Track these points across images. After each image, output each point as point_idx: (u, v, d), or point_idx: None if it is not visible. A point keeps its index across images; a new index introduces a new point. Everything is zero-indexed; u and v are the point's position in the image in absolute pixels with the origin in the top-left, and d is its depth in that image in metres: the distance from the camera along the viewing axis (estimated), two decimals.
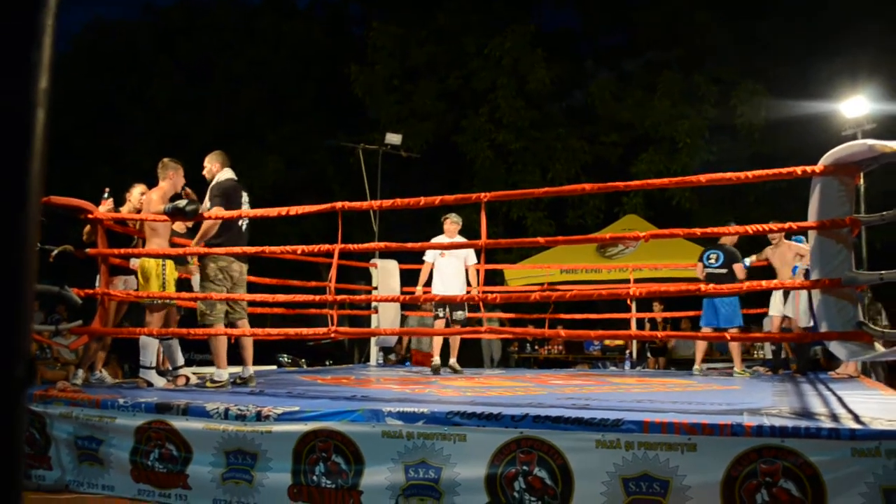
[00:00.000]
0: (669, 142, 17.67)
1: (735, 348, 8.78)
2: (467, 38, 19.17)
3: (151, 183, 6.76)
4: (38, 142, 0.93)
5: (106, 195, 6.95)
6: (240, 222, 6.46)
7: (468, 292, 8.44)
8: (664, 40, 18.96)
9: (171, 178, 6.59)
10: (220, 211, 6.19)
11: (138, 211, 6.85)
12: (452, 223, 8.58)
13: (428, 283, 8.69)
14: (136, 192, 7.08)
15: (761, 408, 4.48)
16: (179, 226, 6.76)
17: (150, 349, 6.53)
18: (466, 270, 8.67)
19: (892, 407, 4.67)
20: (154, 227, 6.45)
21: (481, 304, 7.84)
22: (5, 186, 0.91)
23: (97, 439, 4.82)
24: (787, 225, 4.86)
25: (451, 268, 8.53)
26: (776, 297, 8.84)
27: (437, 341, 8.77)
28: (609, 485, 3.65)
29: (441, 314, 8.51)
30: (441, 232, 8.68)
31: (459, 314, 8.58)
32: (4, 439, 0.90)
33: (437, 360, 8.60)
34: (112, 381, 7.09)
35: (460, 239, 8.54)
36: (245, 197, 6.57)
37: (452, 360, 8.72)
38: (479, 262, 8.58)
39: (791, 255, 8.48)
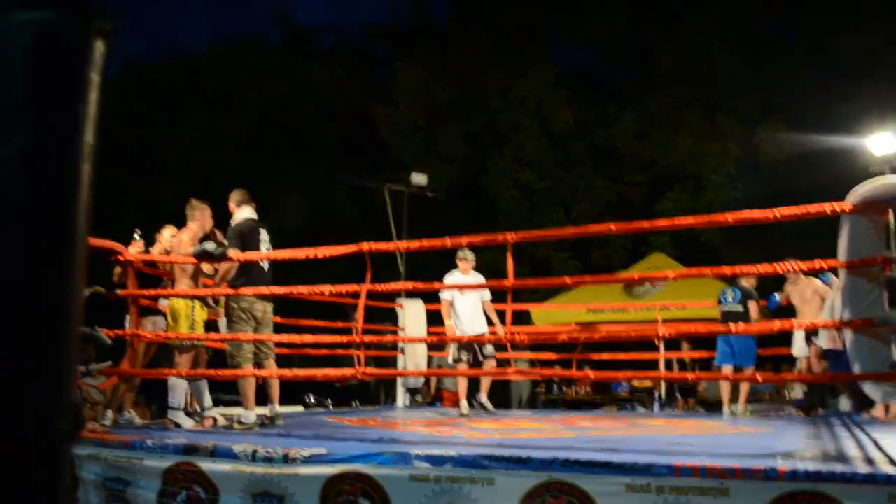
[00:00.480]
0: (694, 179, 17.63)
1: (743, 387, 8.72)
2: (490, 79, 19.32)
3: (180, 223, 6.84)
4: (84, 193, 0.95)
5: (136, 237, 7.03)
6: (261, 262, 6.49)
7: (491, 330, 8.34)
8: (686, 79, 19.00)
9: (199, 218, 6.65)
10: (236, 253, 6.23)
11: (168, 252, 6.92)
12: (468, 261, 8.44)
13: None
14: (167, 233, 7.16)
15: (794, 451, 4.42)
16: (208, 267, 6.82)
17: (179, 390, 6.55)
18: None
19: None
20: (184, 268, 6.51)
21: (509, 344, 7.75)
22: (54, 237, 0.93)
23: (125, 480, 4.82)
24: (815, 263, 4.82)
25: (471, 306, 8.36)
26: (799, 337, 8.77)
27: (463, 386, 8.60)
28: None
29: (464, 358, 8.24)
30: (453, 268, 8.54)
31: (489, 349, 8.35)
32: (50, 490, 0.91)
33: (464, 404, 8.40)
34: (140, 422, 7.12)
35: (475, 275, 8.44)
36: (264, 235, 6.61)
37: (484, 398, 8.51)
38: (492, 299, 8.48)
39: (810, 292, 8.42)
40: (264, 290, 6.28)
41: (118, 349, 6.52)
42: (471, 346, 8.20)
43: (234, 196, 6.71)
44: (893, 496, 3.27)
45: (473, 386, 8.64)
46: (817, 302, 8.35)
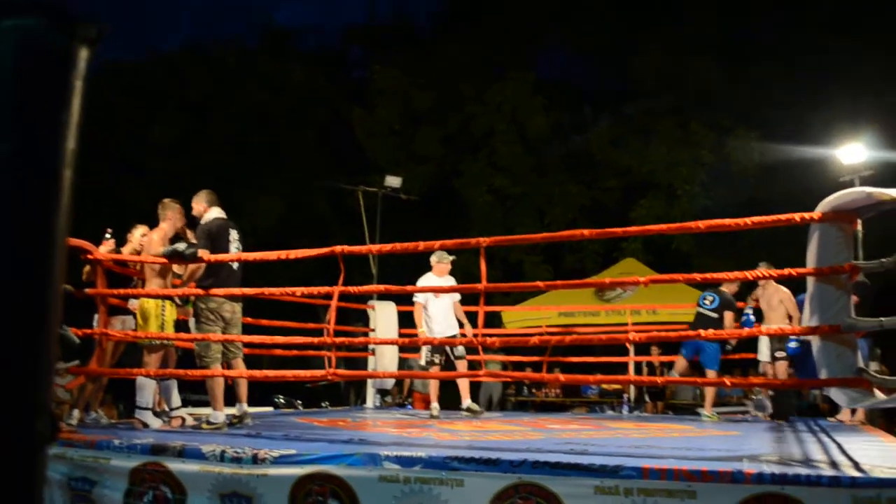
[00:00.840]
0: (668, 188, 17.79)
1: (709, 391, 8.82)
2: (466, 84, 19.36)
3: (153, 223, 6.78)
4: (65, 198, 0.94)
5: (108, 236, 6.96)
6: (231, 262, 6.47)
7: (461, 332, 8.34)
8: (662, 85, 19.16)
9: (171, 218, 6.60)
10: (205, 253, 6.19)
11: (139, 252, 6.86)
12: (443, 264, 8.36)
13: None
14: (138, 233, 7.10)
15: (761, 454, 4.46)
16: (179, 267, 6.76)
17: (148, 390, 6.49)
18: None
19: (893, 454, 4.64)
20: (154, 267, 6.45)
21: (480, 347, 7.74)
22: (35, 242, 0.92)
23: (91, 480, 4.77)
24: (785, 271, 4.87)
25: (444, 308, 8.32)
26: (763, 342, 8.83)
27: (434, 387, 8.58)
28: None
29: (437, 360, 8.21)
30: (427, 270, 8.47)
31: (460, 350, 8.29)
32: (27, 494, 0.89)
33: (435, 406, 8.39)
34: (108, 421, 7.04)
35: (449, 278, 8.39)
36: (234, 234, 6.56)
37: (468, 402, 8.44)
38: (465, 301, 8.42)
39: (776, 299, 8.42)
40: (236, 291, 6.24)
41: (86, 348, 6.45)
42: (442, 349, 8.20)
43: (203, 197, 6.65)
44: (857, 499, 3.32)
45: (445, 386, 8.60)
46: (783, 310, 8.40)
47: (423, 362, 8.42)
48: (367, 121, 19.52)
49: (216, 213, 6.57)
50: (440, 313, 8.31)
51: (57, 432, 0.95)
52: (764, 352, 8.84)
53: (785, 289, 8.41)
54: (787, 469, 3.63)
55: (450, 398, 8.72)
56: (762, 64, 18.18)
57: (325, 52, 24.59)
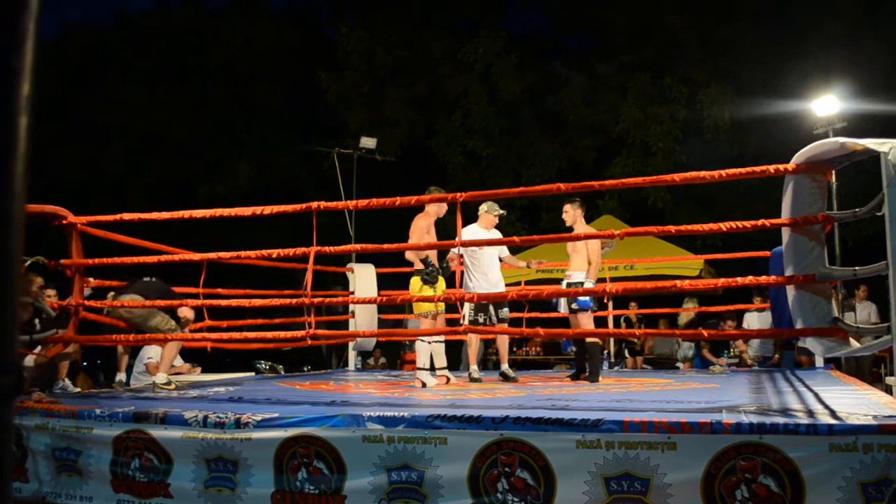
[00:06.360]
0: (642, 145, 17.81)
1: None
2: (437, 43, 19.21)
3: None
4: (21, 148, 0.91)
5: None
6: None
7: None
8: (635, 42, 19.10)
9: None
10: None
11: None
12: (491, 215, 7.82)
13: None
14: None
15: (739, 405, 4.52)
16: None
17: (424, 352, 7.26)
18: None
19: (868, 402, 4.72)
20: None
21: (458, 304, 7.66)
22: None
23: (75, 450, 4.77)
24: (759, 222, 4.89)
25: (489, 263, 7.75)
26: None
27: (474, 347, 8.15)
28: (591, 484, 3.67)
29: (480, 319, 7.69)
30: (472, 222, 7.90)
31: (505, 311, 7.83)
32: None
33: (475, 368, 7.94)
34: (74, 390, 7.03)
35: (496, 232, 7.93)
36: None
37: (505, 366, 8.03)
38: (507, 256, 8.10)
39: (581, 241, 7.66)
40: (212, 255, 6.21)
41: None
42: (486, 307, 7.73)
43: None
44: (834, 445, 3.38)
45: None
46: (584, 254, 7.73)
47: (466, 322, 7.79)
48: (337, 84, 19.35)
49: None
50: (486, 266, 7.78)
51: (21, 388, 0.94)
52: (562, 302, 8.12)
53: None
54: (766, 419, 3.68)
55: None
56: (735, 18, 18.16)
57: (295, 10, 24.27)
